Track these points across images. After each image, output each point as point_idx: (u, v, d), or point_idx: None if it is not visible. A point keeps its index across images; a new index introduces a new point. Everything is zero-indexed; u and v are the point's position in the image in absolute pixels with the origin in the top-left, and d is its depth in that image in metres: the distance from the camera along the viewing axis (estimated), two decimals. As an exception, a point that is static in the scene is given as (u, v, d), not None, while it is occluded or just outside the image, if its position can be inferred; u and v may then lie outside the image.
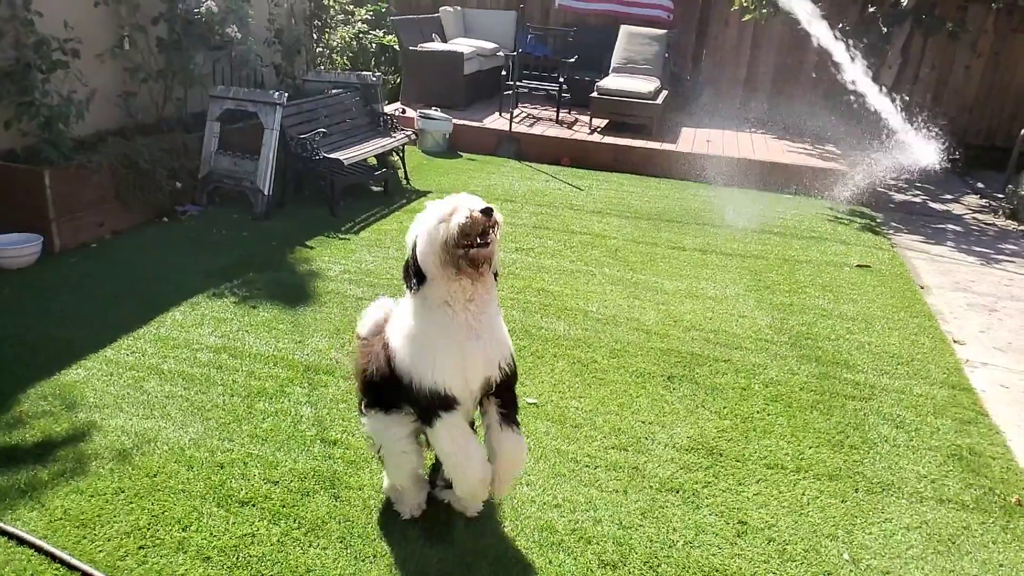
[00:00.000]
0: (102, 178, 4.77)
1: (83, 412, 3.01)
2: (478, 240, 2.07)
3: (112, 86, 5.23)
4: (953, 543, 2.66)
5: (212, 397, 3.18)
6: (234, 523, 2.48)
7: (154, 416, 3.02)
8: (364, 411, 2.47)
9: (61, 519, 2.45)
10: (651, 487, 2.81)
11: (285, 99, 5.54)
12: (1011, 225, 7.03)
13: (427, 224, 2.14)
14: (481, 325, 2.19)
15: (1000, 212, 7.36)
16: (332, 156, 5.69)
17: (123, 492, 2.58)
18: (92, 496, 2.55)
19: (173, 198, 5.33)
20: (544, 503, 2.68)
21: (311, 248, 4.96)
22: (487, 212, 2.06)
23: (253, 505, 2.57)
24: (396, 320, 2.33)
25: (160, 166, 5.08)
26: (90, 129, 5.00)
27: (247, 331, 3.76)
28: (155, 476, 2.67)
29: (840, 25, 8.93)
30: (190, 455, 2.80)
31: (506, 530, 2.54)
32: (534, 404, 3.30)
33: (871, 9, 9.04)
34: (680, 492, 2.80)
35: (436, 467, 2.67)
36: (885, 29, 8.67)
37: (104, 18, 5.10)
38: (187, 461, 2.76)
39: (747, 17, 8.30)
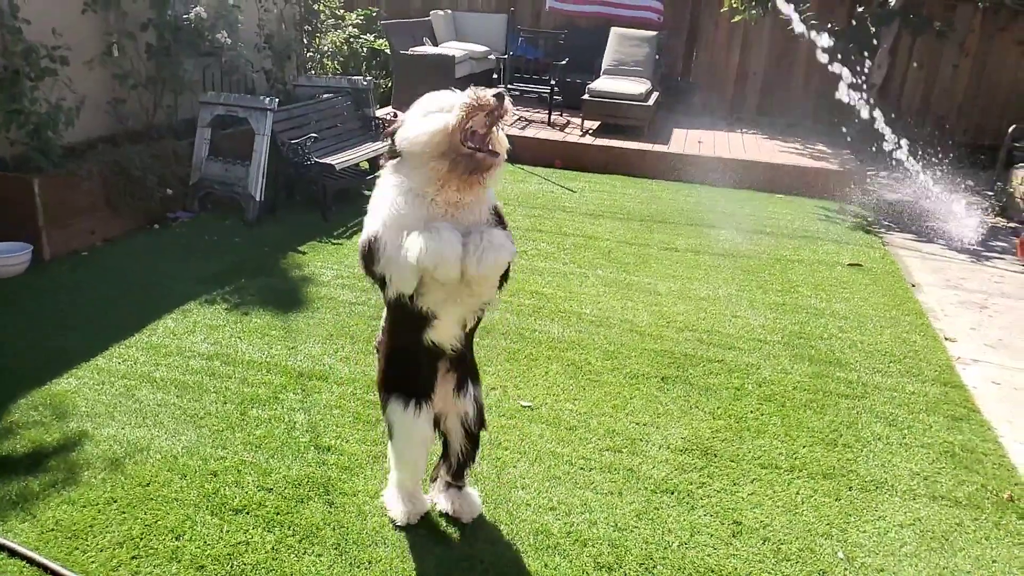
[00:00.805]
0: (92, 185, 4.76)
1: (74, 421, 3.00)
2: (488, 144, 1.94)
3: (101, 93, 5.21)
4: (946, 540, 2.67)
5: (205, 404, 3.17)
6: (228, 531, 2.47)
7: (146, 424, 3.01)
8: (385, 392, 2.39)
9: (53, 530, 2.43)
10: (646, 488, 2.82)
11: (276, 104, 5.53)
12: (1000, 222, 7.07)
13: (427, 106, 1.99)
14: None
15: (989, 209, 7.41)
16: (324, 161, 5.68)
17: (115, 502, 2.57)
18: (84, 506, 2.54)
19: (164, 205, 5.32)
20: (539, 506, 2.68)
21: (303, 253, 4.95)
22: (499, 97, 1.90)
23: (247, 513, 2.56)
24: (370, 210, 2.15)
25: (150, 173, 5.06)
26: (80, 136, 4.97)
27: (240, 338, 3.75)
28: (148, 485, 2.66)
29: (829, 26, 8.98)
30: (183, 463, 2.78)
31: (501, 534, 2.54)
32: (528, 407, 3.30)
33: (859, 9, 9.10)
34: (675, 493, 2.80)
35: (443, 456, 2.60)
36: (874, 29, 8.72)
37: (92, 25, 5.08)
38: (180, 469, 2.75)
39: (737, 18, 8.34)
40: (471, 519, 2.57)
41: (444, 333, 2.23)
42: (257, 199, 5.43)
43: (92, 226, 4.82)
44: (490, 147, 1.96)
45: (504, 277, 2.17)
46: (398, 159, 2.06)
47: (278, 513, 2.56)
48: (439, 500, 2.61)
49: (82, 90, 4.85)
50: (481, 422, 2.50)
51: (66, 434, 2.92)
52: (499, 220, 2.16)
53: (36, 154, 4.47)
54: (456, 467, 2.53)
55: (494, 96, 1.90)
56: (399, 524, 2.52)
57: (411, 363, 2.28)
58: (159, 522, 2.49)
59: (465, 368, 2.40)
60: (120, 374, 3.36)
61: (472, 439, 2.48)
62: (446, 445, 2.52)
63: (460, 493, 2.58)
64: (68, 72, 4.67)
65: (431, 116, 1.98)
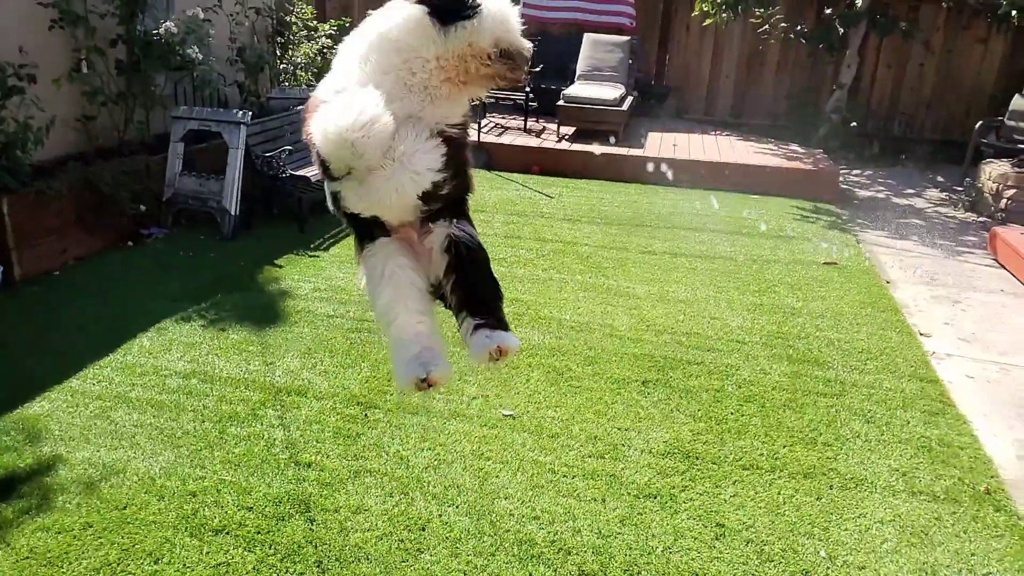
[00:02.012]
0: (63, 204, 4.69)
1: (48, 445, 2.94)
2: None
3: (71, 110, 5.14)
4: (926, 535, 2.70)
5: (182, 424, 3.13)
6: (208, 553, 2.43)
7: (122, 446, 2.96)
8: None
9: (27, 558, 2.38)
10: (629, 494, 2.82)
11: (249, 118, 5.49)
12: (971, 217, 7.19)
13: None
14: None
15: (960, 205, 7.54)
16: (299, 173, 5.65)
17: (91, 527, 2.53)
18: (59, 532, 2.49)
19: (137, 221, 5.25)
20: (523, 516, 2.67)
21: (280, 267, 4.91)
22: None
23: (227, 533, 2.52)
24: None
25: (123, 190, 5.00)
26: (49, 155, 4.90)
27: (217, 355, 3.71)
28: (124, 508, 2.62)
29: (799, 27, 9.12)
30: (161, 485, 2.74)
31: (485, 545, 2.53)
32: (511, 416, 3.29)
33: (827, 11, 9.24)
34: (658, 497, 2.81)
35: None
36: (842, 30, 8.86)
37: (60, 42, 5.02)
38: (158, 491, 2.71)
39: (708, 22, 8.43)
40: (497, 353, 1.86)
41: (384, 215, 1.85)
42: (232, 213, 5.38)
43: (64, 245, 4.75)
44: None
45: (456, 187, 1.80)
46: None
47: (259, 532, 2.53)
48: (470, 348, 1.93)
49: (51, 108, 4.79)
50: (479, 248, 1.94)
51: (39, 459, 2.86)
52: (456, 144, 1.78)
53: (4, 174, 4.39)
54: (473, 301, 1.91)
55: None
56: (402, 387, 1.87)
57: (369, 225, 1.90)
58: (137, 546, 2.45)
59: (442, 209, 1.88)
60: (94, 395, 3.30)
61: (473, 263, 1.91)
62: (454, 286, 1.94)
63: (476, 332, 1.91)
64: (36, 90, 4.60)
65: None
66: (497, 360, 1.87)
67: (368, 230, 1.90)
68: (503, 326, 1.89)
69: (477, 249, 1.92)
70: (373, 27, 1.73)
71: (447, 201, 1.85)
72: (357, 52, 1.72)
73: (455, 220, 1.89)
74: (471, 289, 1.90)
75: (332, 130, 1.58)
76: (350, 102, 1.60)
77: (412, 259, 1.92)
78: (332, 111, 1.60)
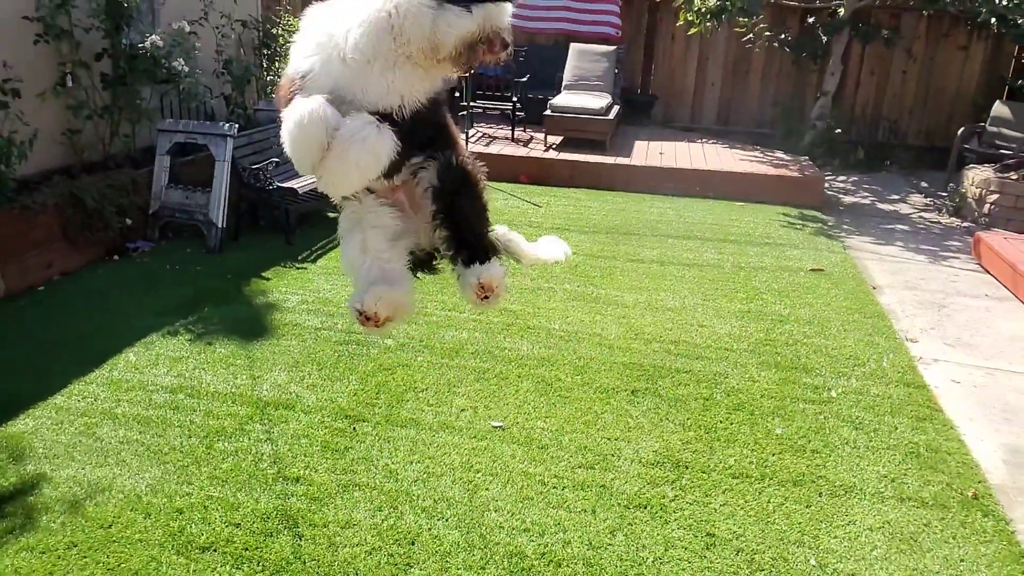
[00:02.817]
0: (48, 218, 4.65)
1: (32, 464, 2.91)
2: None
3: (56, 124, 5.11)
4: (915, 541, 2.71)
5: (169, 439, 3.10)
6: (195, 570, 2.41)
7: (108, 463, 2.93)
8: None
9: (12, 578, 2.36)
10: (619, 504, 2.82)
11: (236, 130, 5.48)
12: (955, 222, 7.25)
13: None
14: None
15: (944, 210, 7.60)
16: (286, 185, 5.63)
17: (76, 546, 2.50)
18: (43, 552, 2.46)
19: (124, 235, 5.22)
20: (513, 528, 2.67)
21: (267, 279, 4.89)
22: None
23: (214, 550, 2.50)
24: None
25: (109, 203, 4.97)
26: (34, 169, 4.87)
27: (204, 369, 3.69)
28: (110, 527, 2.59)
29: (782, 36, 9.21)
30: (147, 502, 2.72)
31: (475, 559, 2.52)
32: (500, 427, 3.28)
33: (810, 19, 9.34)
34: (648, 507, 2.81)
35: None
36: (825, 38, 8.96)
37: (45, 56, 4.99)
38: (144, 508, 2.68)
39: (693, 31, 8.49)
40: (492, 281, 1.89)
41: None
42: (219, 226, 5.36)
43: (49, 260, 4.71)
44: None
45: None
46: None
47: (246, 549, 2.51)
48: (461, 289, 1.95)
49: (36, 122, 4.76)
50: (468, 180, 1.90)
51: (23, 477, 2.83)
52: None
53: (-13, 189, 4.36)
54: (458, 241, 1.90)
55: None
56: (352, 308, 1.81)
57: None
58: (123, 565, 2.42)
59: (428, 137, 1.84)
60: (79, 412, 3.27)
61: (457, 198, 1.87)
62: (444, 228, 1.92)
63: (464, 273, 1.92)
64: (20, 105, 4.57)
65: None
66: (487, 298, 1.88)
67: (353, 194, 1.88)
68: (486, 257, 1.90)
69: (461, 182, 1.87)
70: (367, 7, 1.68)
71: (422, 144, 1.82)
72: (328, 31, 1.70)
73: (440, 153, 1.85)
74: (456, 229, 1.88)
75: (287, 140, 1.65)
76: (289, 113, 1.64)
77: (388, 215, 1.89)
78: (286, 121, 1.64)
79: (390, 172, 1.75)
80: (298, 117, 1.63)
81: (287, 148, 1.67)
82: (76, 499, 2.72)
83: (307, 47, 1.74)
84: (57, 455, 2.97)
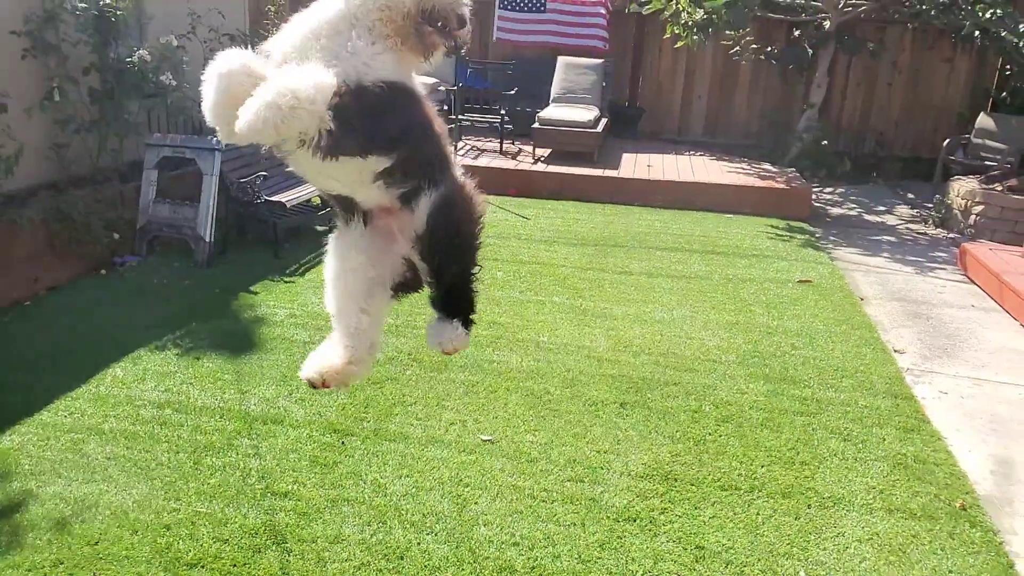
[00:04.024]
0: (35, 233, 4.63)
1: (17, 481, 2.88)
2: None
3: (43, 139, 5.10)
4: (903, 552, 2.73)
5: (156, 455, 3.08)
6: (182, 588, 2.39)
7: (95, 480, 2.91)
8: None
9: (-5, 598, 2.33)
10: (608, 518, 2.82)
11: (224, 144, 5.47)
12: (941, 233, 7.32)
13: None
14: None
15: (930, 221, 7.67)
16: (274, 199, 5.63)
17: (62, 563, 2.47)
18: (29, 570, 2.44)
19: (111, 250, 5.19)
20: (502, 542, 2.66)
21: (256, 293, 4.88)
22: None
23: (202, 567, 2.48)
24: None
25: (96, 217, 4.95)
26: (21, 184, 4.84)
27: (191, 384, 3.67)
28: (96, 544, 2.57)
29: (769, 49, 9.31)
30: (134, 518, 2.70)
31: (465, 573, 2.51)
32: (489, 441, 3.28)
33: (796, 33, 9.44)
34: (637, 521, 2.81)
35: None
36: (811, 51, 9.06)
37: (32, 71, 4.98)
38: (131, 525, 2.66)
39: (680, 44, 8.55)
40: (450, 347, 1.90)
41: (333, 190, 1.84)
42: (207, 240, 5.34)
43: (35, 274, 4.68)
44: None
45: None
46: None
47: (235, 565, 2.49)
48: (428, 333, 1.98)
49: (22, 136, 4.74)
50: (451, 250, 1.88)
51: (8, 495, 2.80)
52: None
53: (-27, 203, 4.34)
54: (438, 299, 1.91)
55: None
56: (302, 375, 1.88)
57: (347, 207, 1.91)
58: (109, 583, 2.40)
59: (420, 184, 1.80)
60: (66, 428, 3.24)
61: (439, 262, 1.87)
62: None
63: (434, 322, 1.94)
64: (7, 119, 4.55)
65: None
66: (449, 353, 1.90)
67: (346, 212, 1.87)
68: (460, 313, 1.90)
69: (451, 238, 1.85)
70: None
71: (409, 168, 1.76)
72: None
73: (432, 185, 1.79)
74: (439, 285, 1.88)
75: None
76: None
77: (369, 255, 1.88)
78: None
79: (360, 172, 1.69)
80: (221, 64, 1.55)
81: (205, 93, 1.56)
82: (63, 516, 2.69)
83: (283, 41, 1.69)
84: (43, 471, 2.94)
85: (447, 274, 1.90)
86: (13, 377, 3.66)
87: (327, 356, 1.86)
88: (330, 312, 1.89)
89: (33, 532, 2.61)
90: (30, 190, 4.95)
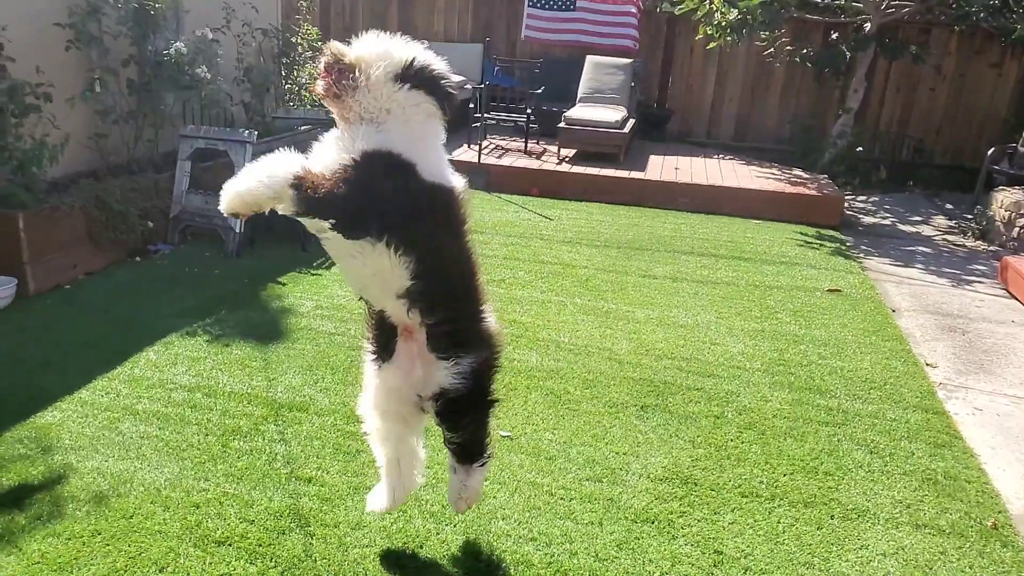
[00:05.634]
0: (75, 220, 4.76)
1: (59, 454, 2.98)
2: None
3: (84, 128, 5.23)
4: (930, 569, 2.68)
5: (187, 436, 3.16)
6: (211, 563, 2.45)
7: (129, 457, 2.99)
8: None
9: (39, 563, 2.42)
10: (626, 518, 2.82)
11: (255, 137, 5.56)
12: (980, 246, 7.14)
13: None
14: None
15: (969, 233, 7.46)
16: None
17: (100, 534, 2.56)
18: (69, 539, 2.52)
19: (145, 238, 5.31)
20: (520, 537, 2.68)
21: (283, 284, 4.95)
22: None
23: (229, 545, 2.54)
24: None
25: (132, 206, 5.07)
26: (63, 171, 4.98)
27: (220, 369, 3.74)
28: (131, 517, 2.65)
29: (805, 51, 9.16)
30: (166, 496, 2.77)
31: (482, 566, 2.54)
32: (508, 437, 3.30)
33: (834, 35, 9.27)
34: (655, 523, 2.81)
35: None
36: (849, 54, 8.88)
37: (75, 62, 5.11)
38: (163, 502, 2.74)
39: (712, 45, 8.48)
40: (464, 505, 2.41)
41: (366, 292, 2.17)
42: (237, 231, 5.44)
43: (74, 260, 4.80)
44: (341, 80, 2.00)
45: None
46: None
47: (260, 545, 2.55)
48: (450, 485, 2.45)
49: (65, 126, 4.87)
50: (470, 404, 2.21)
51: (51, 467, 2.90)
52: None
53: (20, 190, 4.47)
54: (451, 446, 2.31)
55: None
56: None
57: (372, 315, 2.28)
58: (143, 555, 2.47)
59: (439, 335, 2.13)
60: (103, 407, 3.34)
61: (452, 423, 2.24)
62: None
63: (453, 476, 2.35)
64: (51, 108, 4.68)
65: None
66: (462, 511, 2.40)
67: (380, 328, 2.23)
68: (473, 458, 2.29)
69: (469, 408, 2.21)
70: None
71: (434, 301, 2.07)
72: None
73: (454, 349, 2.12)
74: (454, 437, 2.26)
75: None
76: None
77: (398, 386, 2.23)
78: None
79: (353, 228, 1.95)
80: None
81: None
82: (100, 490, 2.78)
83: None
84: (82, 447, 3.04)
85: (459, 431, 2.24)
86: (54, 357, 3.76)
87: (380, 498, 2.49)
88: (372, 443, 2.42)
89: (73, 503, 2.70)
90: (71, 178, 5.09)
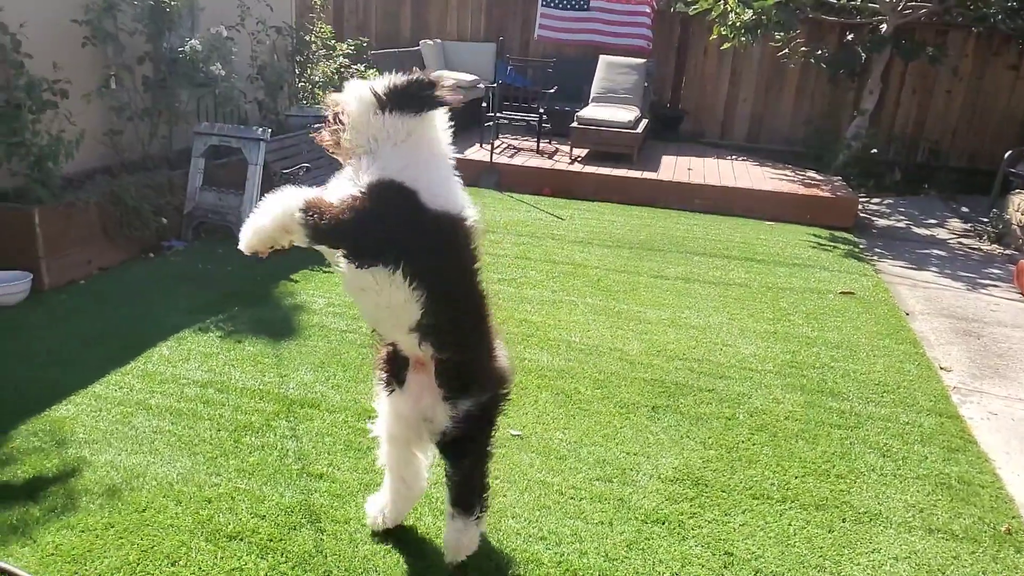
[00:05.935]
0: (90, 216, 4.80)
1: (73, 448, 3.00)
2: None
3: (99, 125, 5.27)
4: (943, 574, 2.66)
5: (199, 431, 3.18)
6: (222, 558, 2.47)
7: (142, 451, 3.01)
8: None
9: (53, 555, 2.44)
10: (636, 518, 2.81)
11: (268, 135, 5.59)
12: (996, 249, 7.07)
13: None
14: None
15: (985, 236, 7.40)
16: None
17: (113, 527, 2.58)
18: (83, 531, 2.55)
19: (159, 234, 5.35)
20: (530, 536, 2.68)
21: (295, 281, 4.97)
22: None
23: (241, 539, 2.56)
24: None
25: (146, 203, 5.11)
26: (78, 167, 5.02)
27: (233, 365, 3.76)
28: (144, 511, 2.67)
29: (819, 52, 9.09)
30: (178, 490, 2.79)
31: (492, 564, 2.54)
32: (518, 436, 3.30)
33: (850, 36, 9.20)
34: (666, 523, 2.80)
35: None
36: (864, 56, 8.80)
37: (91, 59, 5.15)
38: (175, 496, 2.76)
39: (726, 46, 8.44)
40: (452, 558, 2.45)
41: (379, 326, 2.32)
42: (252, 228, 5.45)
43: (89, 255, 4.84)
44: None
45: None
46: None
47: (271, 540, 2.56)
48: (445, 533, 2.50)
49: (81, 122, 4.91)
50: (468, 447, 2.32)
51: (65, 460, 2.93)
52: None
53: (36, 185, 4.51)
54: (449, 490, 2.39)
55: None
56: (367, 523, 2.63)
57: (384, 346, 2.40)
58: (155, 548, 2.49)
59: (449, 372, 2.22)
60: (116, 401, 3.36)
61: (454, 459, 2.34)
62: None
63: (451, 523, 2.42)
64: (68, 105, 4.72)
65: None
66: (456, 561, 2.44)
67: (392, 359, 2.31)
68: (471, 505, 2.37)
69: (469, 448, 2.31)
70: None
71: (443, 338, 2.16)
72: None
73: (460, 391, 2.22)
74: (448, 479, 2.37)
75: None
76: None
77: (407, 414, 2.34)
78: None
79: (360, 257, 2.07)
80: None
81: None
82: (113, 483, 2.81)
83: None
84: (96, 440, 3.07)
85: (458, 469, 2.34)
86: (68, 351, 3.80)
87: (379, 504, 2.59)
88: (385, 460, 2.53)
89: (86, 496, 2.72)
90: (86, 174, 5.13)
